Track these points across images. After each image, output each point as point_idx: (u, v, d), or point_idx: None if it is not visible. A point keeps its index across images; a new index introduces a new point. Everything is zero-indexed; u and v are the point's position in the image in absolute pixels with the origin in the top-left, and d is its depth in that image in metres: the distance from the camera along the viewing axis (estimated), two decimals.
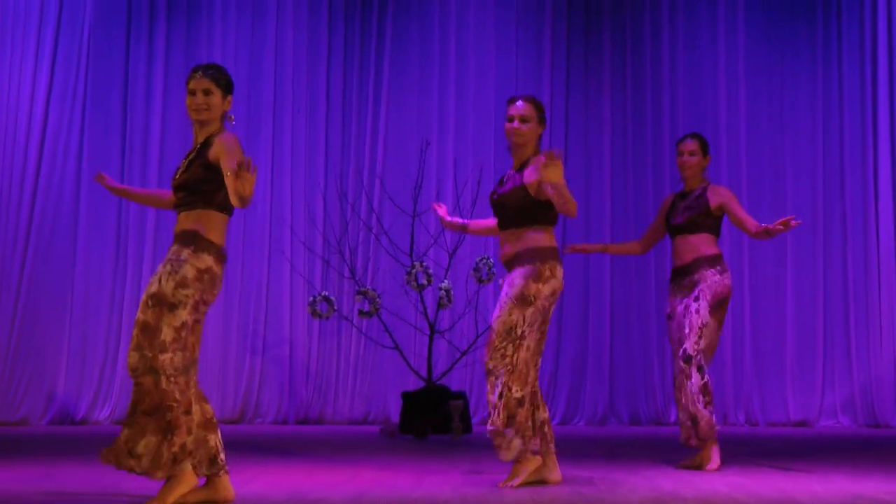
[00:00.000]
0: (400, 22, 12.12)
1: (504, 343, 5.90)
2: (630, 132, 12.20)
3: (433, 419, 9.89)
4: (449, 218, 6.55)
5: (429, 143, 11.24)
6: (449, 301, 10.13)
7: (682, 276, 7.09)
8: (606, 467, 7.04)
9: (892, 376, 11.56)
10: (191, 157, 5.23)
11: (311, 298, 10.22)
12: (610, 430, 11.12)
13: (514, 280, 6.00)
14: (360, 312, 10.20)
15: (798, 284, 11.97)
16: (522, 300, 5.94)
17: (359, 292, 10.22)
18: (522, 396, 5.94)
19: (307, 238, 11.66)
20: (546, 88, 12.11)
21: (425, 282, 10.12)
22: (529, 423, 5.99)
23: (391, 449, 8.61)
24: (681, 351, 6.86)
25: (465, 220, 6.65)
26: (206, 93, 5.18)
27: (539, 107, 6.28)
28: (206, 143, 5.18)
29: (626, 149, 12.20)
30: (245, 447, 8.51)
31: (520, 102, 6.20)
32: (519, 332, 5.91)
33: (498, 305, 6.01)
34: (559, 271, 6.05)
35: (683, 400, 6.85)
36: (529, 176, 6.10)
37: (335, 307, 10.23)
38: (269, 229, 11.74)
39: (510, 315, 5.90)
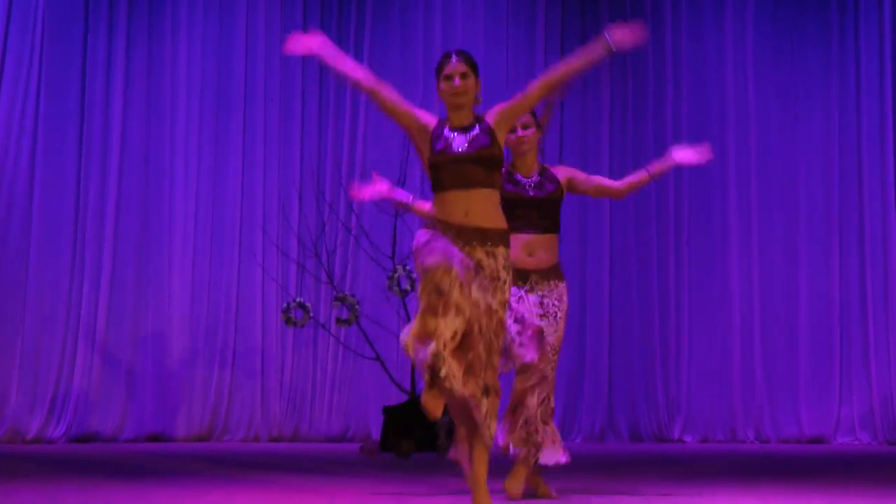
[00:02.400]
0: (380, 11, 12.16)
1: (556, 357, 6.29)
2: (630, 129, 12.27)
3: (417, 436, 9.84)
4: (391, 193, 6.39)
5: None
6: None
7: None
8: (605, 487, 6.99)
9: None
10: (473, 134, 5.52)
11: (284, 305, 10.25)
12: (609, 447, 11.13)
13: (563, 296, 6.35)
14: (338, 320, 10.23)
15: (812, 289, 12.01)
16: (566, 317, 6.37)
17: (336, 298, 10.21)
18: (553, 408, 6.41)
19: (281, 240, 11.65)
20: (539, 70, 11.77)
21: (408, 287, 10.08)
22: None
23: (372, 468, 8.54)
24: None
25: (410, 199, 6.48)
26: (464, 76, 5.54)
27: (534, 115, 6.46)
28: (482, 120, 5.57)
29: (626, 146, 12.26)
30: (214, 466, 8.45)
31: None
32: (559, 346, 6.35)
33: (553, 319, 6.29)
34: None
35: None
36: (563, 175, 6.44)
37: (311, 314, 10.27)
38: (240, 230, 11.75)
39: (562, 331, 6.31)
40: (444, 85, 5.55)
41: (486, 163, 5.48)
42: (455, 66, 5.55)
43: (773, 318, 12.04)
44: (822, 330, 11.95)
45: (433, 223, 5.44)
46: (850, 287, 11.95)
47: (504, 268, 5.41)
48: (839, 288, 11.97)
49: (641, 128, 12.26)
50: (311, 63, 11.97)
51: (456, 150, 5.50)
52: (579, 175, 6.46)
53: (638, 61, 12.29)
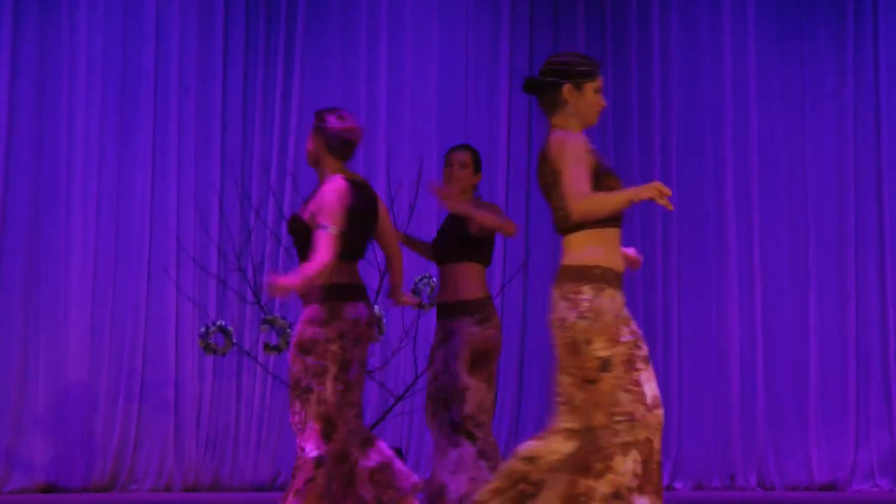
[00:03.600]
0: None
1: (291, 398, 6.12)
2: (610, 127, 11.84)
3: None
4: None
5: None
6: (380, 332, 9.64)
7: (443, 317, 7.19)
8: None
9: None
10: None
11: (203, 329, 9.77)
12: None
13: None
14: (267, 347, 9.70)
15: (823, 315, 11.53)
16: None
17: (265, 321, 9.73)
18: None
19: (198, 252, 11.16)
20: (504, 69, 11.82)
21: None
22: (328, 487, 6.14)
23: None
24: (446, 416, 7.05)
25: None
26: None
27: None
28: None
29: (607, 147, 11.75)
30: None
31: None
32: (303, 384, 6.04)
33: None
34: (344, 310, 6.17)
35: (436, 466, 7.14)
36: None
37: (234, 340, 9.84)
38: (150, 241, 11.23)
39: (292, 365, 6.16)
40: (597, 99, 5.32)
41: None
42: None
43: (778, 346, 11.45)
44: (836, 360, 11.38)
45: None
46: (868, 312, 11.42)
47: None
48: (855, 313, 11.40)
49: (624, 125, 11.74)
50: (234, 49, 11.56)
51: None
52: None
53: (619, 60, 11.86)
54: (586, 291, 4.90)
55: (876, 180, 11.61)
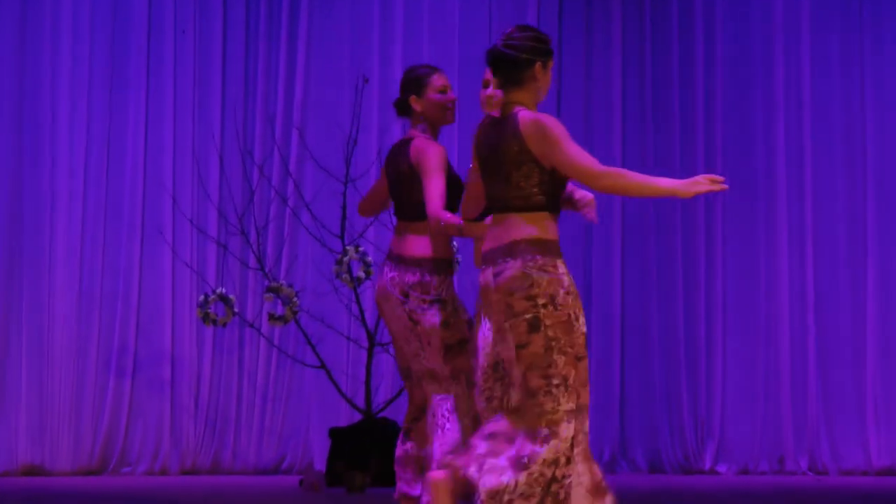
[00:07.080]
0: None
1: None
2: (649, 98, 11.43)
3: (374, 465, 9.31)
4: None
5: (367, 79, 10.24)
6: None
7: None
8: None
9: None
10: None
11: (201, 298, 9.61)
12: (622, 479, 10.45)
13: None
14: (272, 317, 9.59)
15: (882, 286, 11.17)
16: None
17: (269, 289, 9.62)
18: None
19: (196, 213, 10.86)
20: (532, 9, 11.47)
21: (363, 274, 9.57)
22: None
23: None
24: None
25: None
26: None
27: None
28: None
29: (645, 119, 11.42)
30: None
31: None
32: None
33: None
34: None
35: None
36: None
37: (236, 310, 9.73)
38: (143, 200, 10.81)
39: None
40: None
41: None
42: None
43: (832, 317, 11.17)
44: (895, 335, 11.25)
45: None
46: None
47: None
48: None
49: (664, 98, 11.38)
50: None
51: None
52: None
53: (658, 20, 11.47)
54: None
55: None
